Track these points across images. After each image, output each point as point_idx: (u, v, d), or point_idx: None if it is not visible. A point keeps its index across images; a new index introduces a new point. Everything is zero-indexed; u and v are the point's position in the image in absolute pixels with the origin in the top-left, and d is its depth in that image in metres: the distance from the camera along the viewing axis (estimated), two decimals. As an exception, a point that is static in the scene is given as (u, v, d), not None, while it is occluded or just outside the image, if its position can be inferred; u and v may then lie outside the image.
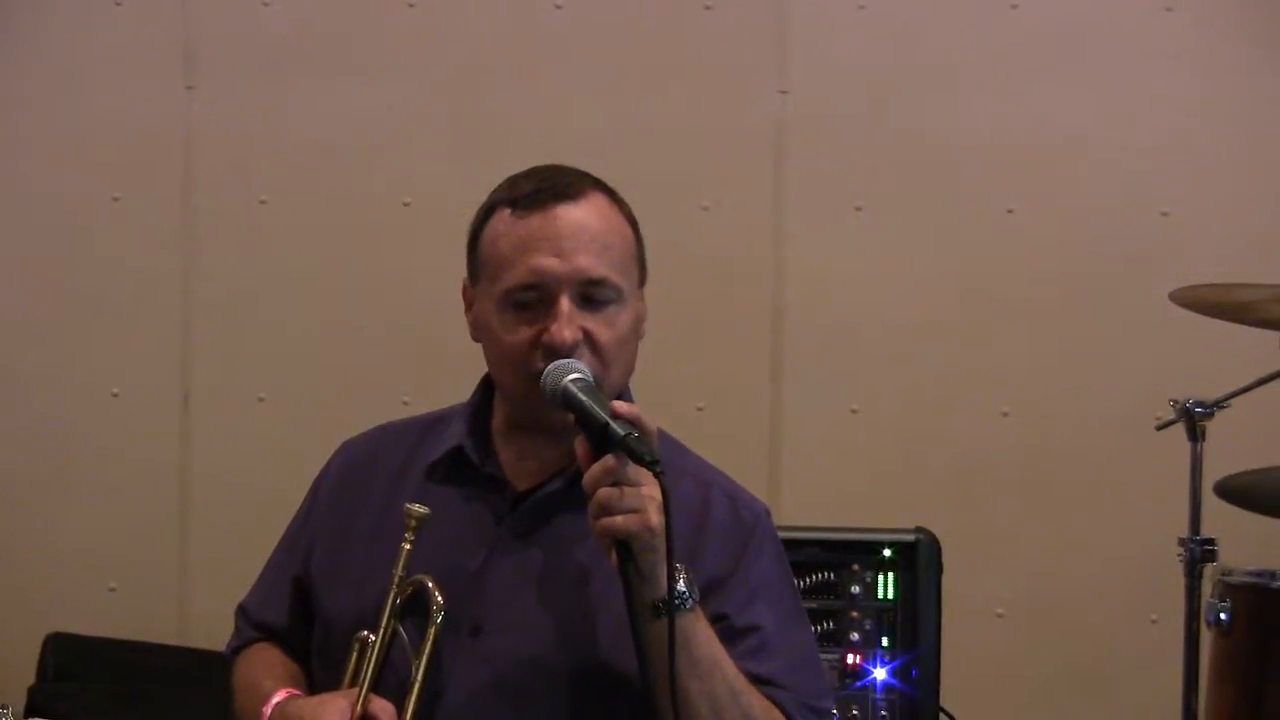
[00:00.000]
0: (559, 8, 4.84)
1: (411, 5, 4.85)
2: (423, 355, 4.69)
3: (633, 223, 2.44)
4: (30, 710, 4.43)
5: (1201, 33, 4.74)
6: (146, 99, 4.89)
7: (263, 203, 4.88)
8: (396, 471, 2.51)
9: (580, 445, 2.22)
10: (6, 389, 4.91)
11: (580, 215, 2.36)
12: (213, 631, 4.56)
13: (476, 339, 2.45)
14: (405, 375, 4.68)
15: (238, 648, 2.62)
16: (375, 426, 2.64)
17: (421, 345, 4.72)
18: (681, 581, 2.20)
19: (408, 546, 2.34)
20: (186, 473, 4.89)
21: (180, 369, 4.89)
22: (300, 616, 2.54)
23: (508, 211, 2.38)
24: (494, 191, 2.44)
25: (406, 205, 4.84)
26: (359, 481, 2.53)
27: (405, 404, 4.21)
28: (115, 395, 4.89)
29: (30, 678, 4.65)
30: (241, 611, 2.64)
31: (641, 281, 2.44)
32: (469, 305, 2.46)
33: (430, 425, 2.55)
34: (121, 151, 4.89)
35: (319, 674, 2.47)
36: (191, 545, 4.88)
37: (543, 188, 2.38)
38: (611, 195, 2.43)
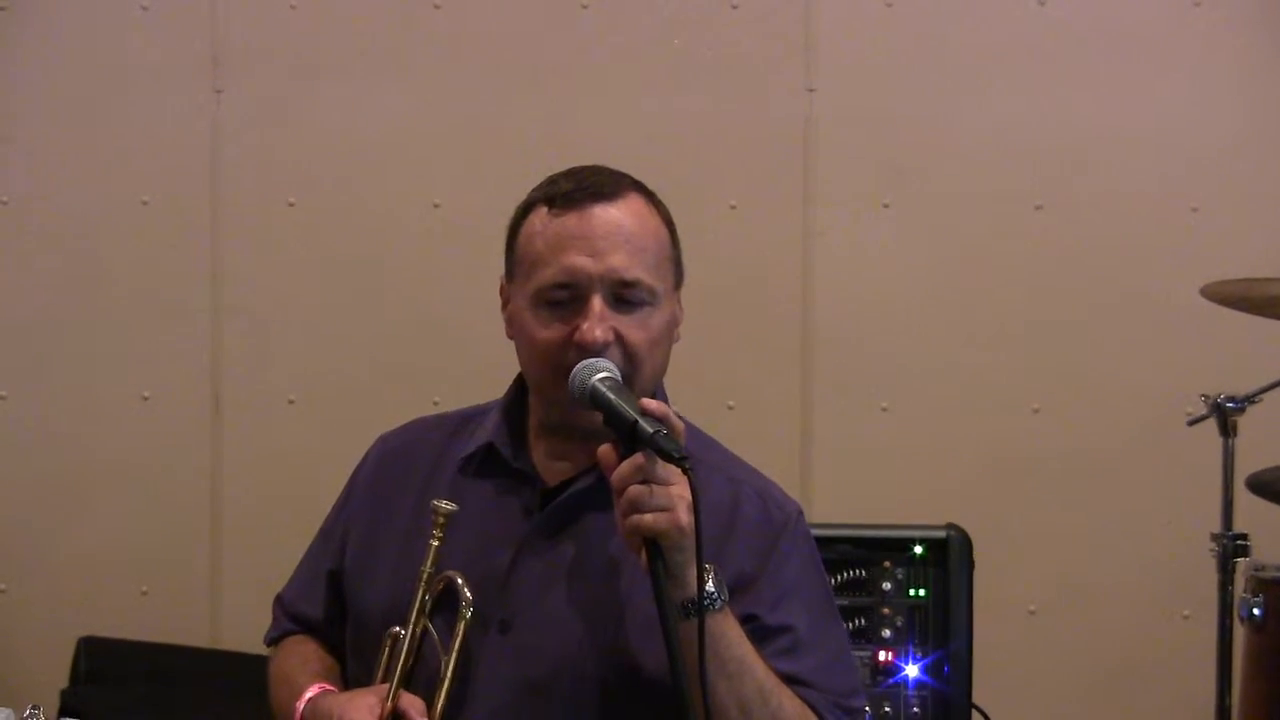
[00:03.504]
0: (585, 7, 4.83)
1: (437, 7, 4.86)
2: (453, 356, 4.70)
3: (670, 225, 2.43)
4: (63, 713, 4.45)
5: (1230, 27, 4.72)
6: (175, 103, 4.90)
7: (291, 205, 4.88)
8: (430, 466, 2.50)
9: (603, 449, 2.20)
10: (38, 393, 4.92)
11: (616, 215, 2.34)
12: (244, 634, 4.62)
13: (511, 336, 2.44)
14: (436, 376, 4.68)
15: (275, 639, 2.63)
16: (412, 420, 2.64)
17: (452, 347, 4.73)
18: (710, 581, 2.18)
19: (436, 543, 2.35)
20: (218, 476, 4.90)
21: (210, 372, 4.90)
22: (336, 609, 2.54)
23: (544, 209, 2.38)
24: (534, 189, 2.43)
25: (436, 207, 4.84)
26: (394, 475, 2.54)
27: (436, 404, 4.18)
28: (146, 399, 4.91)
29: (63, 680, 4.67)
30: (279, 602, 2.65)
31: (677, 284, 2.43)
32: (505, 302, 2.45)
33: (466, 420, 2.55)
34: (150, 155, 4.91)
35: (353, 668, 2.48)
36: (223, 548, 4.89)
37: (580, 187, 2.37)
38: (649, 196, 2.42)
